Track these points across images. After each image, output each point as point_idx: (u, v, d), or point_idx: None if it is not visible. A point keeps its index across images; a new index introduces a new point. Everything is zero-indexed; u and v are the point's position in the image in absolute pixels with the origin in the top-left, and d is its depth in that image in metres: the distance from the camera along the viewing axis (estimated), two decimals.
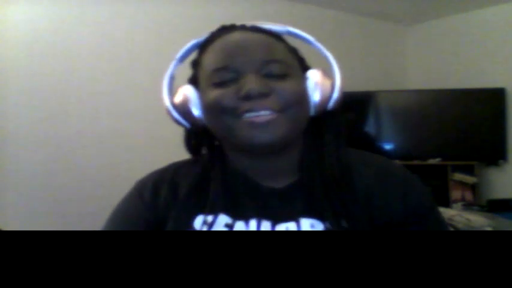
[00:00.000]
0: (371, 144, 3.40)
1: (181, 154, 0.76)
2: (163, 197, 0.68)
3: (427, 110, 3.41)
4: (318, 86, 0.64)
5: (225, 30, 0.66)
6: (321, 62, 0.70)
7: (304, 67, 0.68)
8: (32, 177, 2.35)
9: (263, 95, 0.59)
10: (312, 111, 0.65)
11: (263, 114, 0.59)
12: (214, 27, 0.70)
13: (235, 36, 0.64)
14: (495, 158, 3.34)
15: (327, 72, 0.66)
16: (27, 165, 2.34)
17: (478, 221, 2.10)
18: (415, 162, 3.26)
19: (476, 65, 3.48)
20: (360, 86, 3.19)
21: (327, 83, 0.65)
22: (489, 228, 2.03)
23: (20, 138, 2.33)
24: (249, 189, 0.66)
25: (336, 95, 0.65)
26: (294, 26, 0.70)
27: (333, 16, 3.46)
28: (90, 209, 2.41)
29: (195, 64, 0.69)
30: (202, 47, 0.68)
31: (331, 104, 0.66)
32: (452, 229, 2.01)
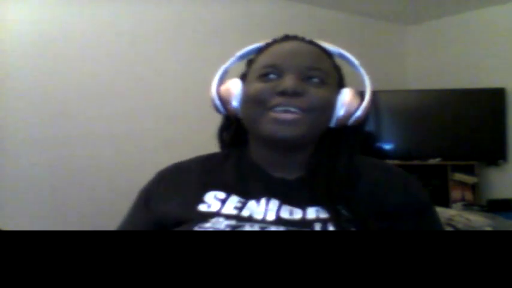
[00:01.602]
0: (371, 145, 3.40)
1: (186, 155, 0.80)
2: (175, 182, 0.74)
3: (427, 110, 3.40)
4: (345, 103, 0.71)
5: (286, 38, 0.75)
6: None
7: (342, 84, 0.75)
8: (32, 177, 2.35)
9: (296, 94, 0.66)
10: (334, 123, 0.72)
11: (290, 111, 0.66)
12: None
13: (292, 44, 0.73)
14: (495, 158, 3.34)
15: (359, 92, 0.74)
16: (27, 166, 2.34)
17: (478, 221, 2.10)
18: (415, 162, 3.26)
19: (476, 65, 3.47)
20: (360, 86, 3.18)
21: (355, 102, 0.72)
22: (489, 228, 2.03)
23: (20, 138, 2.33)
24: (261, 177, 0.72)
25: (358, 113, 0.72)
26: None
27: (333, 16, 3.46)
28: (90, 209, 2.41)
29: (250, 62, 0.77)
30: (261, 49, 0.76)
31: (352, 120, 0.72)
32: (452, 229, 2.01)
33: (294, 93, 0.66)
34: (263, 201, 0.69)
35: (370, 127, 3.48)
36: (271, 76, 0.69)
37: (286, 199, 0.69)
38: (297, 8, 3.25)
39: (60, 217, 2.38)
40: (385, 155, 3.30)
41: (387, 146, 3.46)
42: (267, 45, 0.75)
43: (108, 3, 2.56)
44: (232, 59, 0.79)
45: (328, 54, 0.75)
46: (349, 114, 0.72)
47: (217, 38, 2.77)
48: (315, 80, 0.69)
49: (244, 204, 0.68)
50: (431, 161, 3.28)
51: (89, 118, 2.50)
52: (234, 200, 0.69)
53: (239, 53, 0.78)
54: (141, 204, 0.75)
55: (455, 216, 2.12)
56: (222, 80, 0.77)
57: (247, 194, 0.70)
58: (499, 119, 3.32)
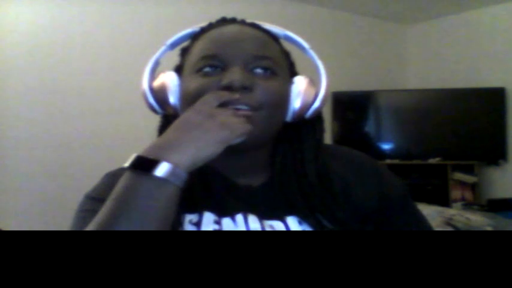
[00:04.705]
0: (370, 144, 3.40)
1: None
2: None
3: (427, 110, 3.41)
4: (301, 93, 0.62)
5: (223, 22, 0.66)
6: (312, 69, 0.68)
7: (293, 72, 0.66)
8: (32, 177, 2.35)
9: (245, 89, 0.57)
10: (290, 117, 0.64)
11: (239, 109, 0.57)
12: None
13: (232, 28, 0.63)
14: (495, 157, 3.34)
15: (314, 81, 0.65)
16: (27, 166, 2.34)
17: (478, 220, 2.10)
18: (415, 161, 3.27)
19: (476, 65, 3.48)
20: (360, 86, 3.20)
21: (311, 91, 0.63)
22: (489, 228, 2.03)
23: (20, 138, 2.33)
24: (227, 187, 0.63)
25: (317, 104, 0.63)
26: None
27: (333, 16, 3.46)
28: None
29: (184, 52, 0.67)
30: (196, 35, 0.66)
31: (310, 113, 0.64)
32: (452, 229, 2.01)
33: (242, 88, 0.56)
34: (240, 218, 0.60)
35: (370, 127, 3.48)
36: (212, 69, 0.59)
37: (261, 211, 0.61)
38: (297, 7, 3.25)
39: (60, 217, 2.38)
40: (385, 154, 3.31)
41: (387, 146, 3.46)
42: (202, 31, 0.65)
43: (106, 3, 2.56)
44: (163, 48, 0.68)
45: (274, 38, 0.65)
46: (306, 106, 0.63)
47: None
48: (264, 70, 0.60)
49: (220, 225, 0.59)
50: (431, 161, 3.29)
51: (88, 117, 2.50)
52: (210, 219, 0.60)
53: (170, 41, 0.68)
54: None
55: (455, 215, 2.13)
56: (153, 74, 0.66)
57: (219, 209, 0.60)
58: (499, 119, 3.32)
